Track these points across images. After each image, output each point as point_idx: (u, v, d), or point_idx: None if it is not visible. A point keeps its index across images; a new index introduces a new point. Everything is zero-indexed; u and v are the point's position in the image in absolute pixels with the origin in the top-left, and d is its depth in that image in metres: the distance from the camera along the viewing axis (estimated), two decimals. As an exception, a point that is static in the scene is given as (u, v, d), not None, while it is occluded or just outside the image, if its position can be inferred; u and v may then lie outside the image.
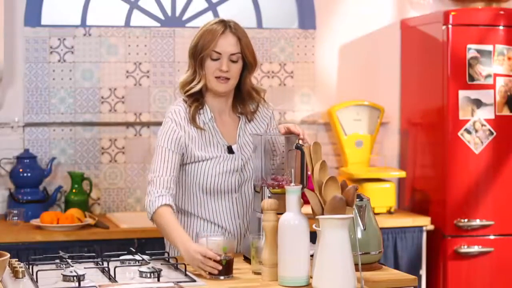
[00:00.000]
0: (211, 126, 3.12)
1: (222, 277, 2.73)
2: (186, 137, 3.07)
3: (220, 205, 3.12)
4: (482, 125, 4.50)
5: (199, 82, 3.10)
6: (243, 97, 3.18)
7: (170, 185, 3.00)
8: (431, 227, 4.53)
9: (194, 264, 2.77)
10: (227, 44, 3.06)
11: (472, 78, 4.48)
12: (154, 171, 3.02)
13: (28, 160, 4.37)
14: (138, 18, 4.68)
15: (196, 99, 3.12)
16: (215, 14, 4.75)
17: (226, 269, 2.74)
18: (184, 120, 3.08)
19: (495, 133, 4.51)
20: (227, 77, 3.07)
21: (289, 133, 3.02)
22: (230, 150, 3.12)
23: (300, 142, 3.00)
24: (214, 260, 2.72)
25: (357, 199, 2.80)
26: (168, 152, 3.04)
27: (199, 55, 3.08)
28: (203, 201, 3.12)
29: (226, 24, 3.09)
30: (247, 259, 2.96)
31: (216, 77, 3.07)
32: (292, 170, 2.75)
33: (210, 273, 2.74)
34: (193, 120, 3.09)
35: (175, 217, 3.00)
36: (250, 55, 3.11)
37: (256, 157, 3.02)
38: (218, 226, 3.13)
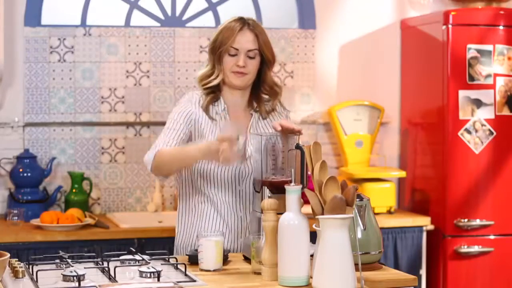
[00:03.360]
0: (223, 117, 3.17)
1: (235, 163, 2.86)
2: (198, 118, 3.16)
3: (222, 196, 3.15)
4: (482, 125, 4.50)
5: (217, 76, 3.18)
6: (259, 95, 3.25)
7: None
8: (431, 227, 4.53)
9: (213, 153, 2.87)
10: (245, 41, 3.14)
11: (472, 78, 4.48)
12: (158, 138, 3.13)
13: (28, 160, 4.37)
14: (138, 18, 4.68)
15: (213, 92, 3.20)
16: (215, 14, 4.75)
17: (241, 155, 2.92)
18: (198, 105, 3.18)
19: (495, 133, 4.51)
20: (244, 72, 3.14)
21: (283, 131, 3.01)
22: None
23: (300, 141, 2.99)
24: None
25: (357, 199, 2.80)
26: (176, 123, 3.13)
27: (217, 50, 3.16)
28: (207, 192, 3.15)
29: (244, 22, 3.18)
30: (247, 259, 2.96)
31: (233, 72, 3.15)
32: (292, 170, 2.75)
33: (225, 160, 2.85)
34: (206, 110, 3.17)
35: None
36: (268, 52, 3.18)
37: (256, 157, 3.02)
38: (220, 216, 3.15)
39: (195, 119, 3.15)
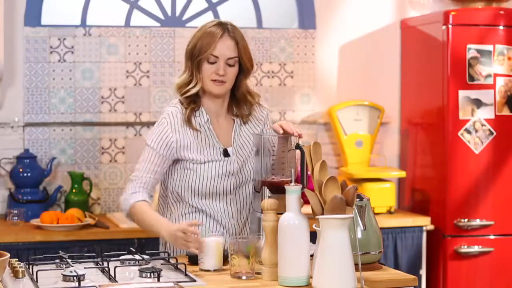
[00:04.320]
0: (207, 128, 3.11)
1: (244, 277, 2.73)
2: (181, 141, 3.07)
3: (213, 207, 3.12)
4: (482, 125, 4.50)
5: (195, 85, 3.09)
6: (238, 100, 3.18)
7: (147, 186, 3.07)
8: (431, 227, 4.53)
9: (178, 243, 2.86)
10: (225, 48, 3.05)
11: (472, 78, 4.48)
12: (137, 169, 3.09)
13: (28, 160, 4.37)
14: (138, 18, 4.68)
15: (193, 101, 3.11)
16: (215, 14, 4.75)
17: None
18: (180, 122, 3.09)
19: (495, 133, 4.51)
20: (223, 80, 3.06)
21: (284, 133, 3.00)
22: (226, 153, 3.11)
23: (300, 141, 2.99)
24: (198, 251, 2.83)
25: (357, 199, 2.80)
26: (155, 154, 3.07)
27: (196, 57, 3.07)
28: (197, 204, 3.11)
29: (224, 27, 3.07)
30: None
31: (212, 80, 3.07)
32: (292, 170, 2.75)
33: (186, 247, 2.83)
34: (188, 122, 3.08)
35: (152, 208, 3.06)
36: (247, 59, 3.10)
37: (256, 157, 3.02)
38: (214, 220, 3.12)
39: (176, 147, 3.06)
